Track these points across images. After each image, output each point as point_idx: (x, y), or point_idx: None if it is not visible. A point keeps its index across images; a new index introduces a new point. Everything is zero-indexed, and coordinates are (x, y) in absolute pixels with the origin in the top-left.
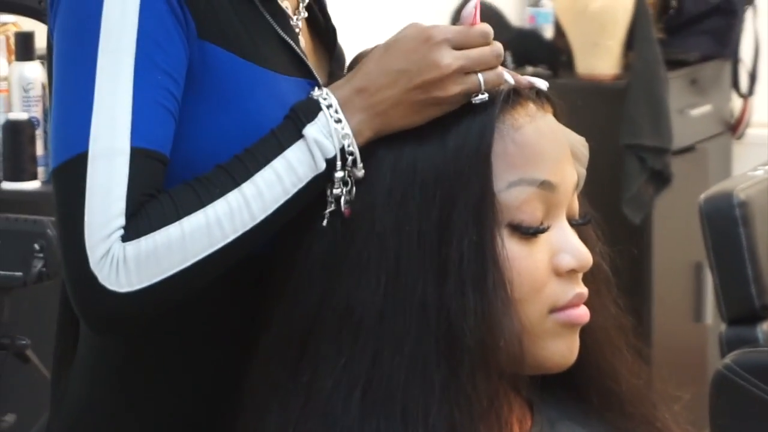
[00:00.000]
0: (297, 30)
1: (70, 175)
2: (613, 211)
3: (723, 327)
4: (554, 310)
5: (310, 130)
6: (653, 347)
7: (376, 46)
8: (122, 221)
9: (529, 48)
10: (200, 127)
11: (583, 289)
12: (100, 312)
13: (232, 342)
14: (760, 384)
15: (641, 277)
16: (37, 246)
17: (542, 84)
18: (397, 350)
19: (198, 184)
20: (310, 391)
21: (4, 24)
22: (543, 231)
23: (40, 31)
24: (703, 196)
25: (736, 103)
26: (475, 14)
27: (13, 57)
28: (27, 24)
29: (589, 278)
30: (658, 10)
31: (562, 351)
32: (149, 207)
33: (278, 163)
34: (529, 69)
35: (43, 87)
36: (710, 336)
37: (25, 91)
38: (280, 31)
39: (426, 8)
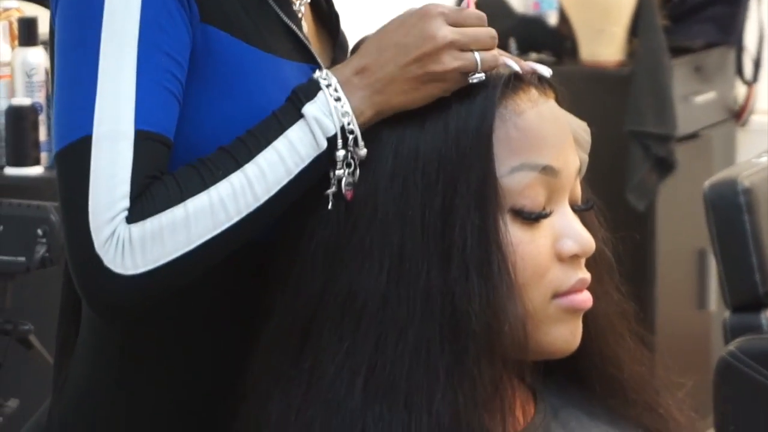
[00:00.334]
0: (300, 15)
1: (74, 159)
2: (617, 198)
3: (727, 314)
4: (557, 295)
5: (310, 108)
6: (657, 334)
7: (370, 34)
8: (127, 203)
9: (533, 34)
10: (203, 111)
11: (586, 275)
12: (105, 295)
13: (234, 329)
14: (763, 371)
15: (645, 263)
16: (40, 231)
17: (545, 70)
18: (400, 336)
19: (201, 165)
20: (313, 377)
21: (7, 9)
22: (545, 216)
23: (43, 17)
24: (707, 183)
25: (741, 90)
26: (469, 2)
27: (16, 42)
28: (30, 9)
29: (591, 264)
30: None
31: (565, 336)
32: (153, 189)
33: (280, 144)
34: (533, 55)
35: (46, 72)
36: (714, 323)
37: (28, 76)
38: (283, 16)
39: None
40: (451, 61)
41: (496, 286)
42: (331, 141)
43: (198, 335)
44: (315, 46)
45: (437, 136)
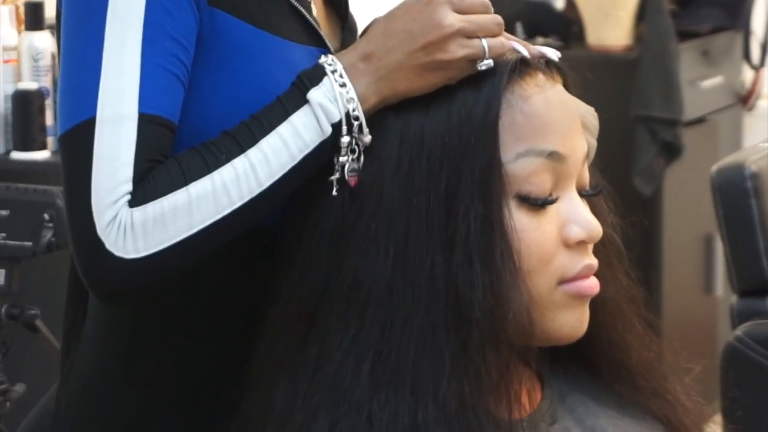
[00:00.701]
0: None
1: (78, 141)
2: (624, 183)
3: (734, 299)
4: (563, 281)
5: (315, 94)
6: (663, 319)
7: (380, 16)
8: (129, 187)
9: (539, 19)
10: (211, 95)
11: (593, 261)
12: (106, 279)
13: (240, 314)
14: None
15: (652, 248)
16: (46, 216)
17: (554, 54)
18: (406, 323)
19: (205, 149)
20: (319, 364)
21: None
22: (552, 202)
23: (49, 1)
24: (714, 168)
25: (748, 74)
26: None
27: (22, 27)
28: None
29: (600, 250)
30: None
31: (572, 323)
32: (156, 173)
33: (284, 129)
34: (540, 40)
35: (53, 57)
36: (721, 308)
37: (35, 60)
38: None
39: None
40: (459, 50)
41: (499, 273)
42: (336, 127)
43: (204, 319)
44: (324, 28)
45: (443, 122)
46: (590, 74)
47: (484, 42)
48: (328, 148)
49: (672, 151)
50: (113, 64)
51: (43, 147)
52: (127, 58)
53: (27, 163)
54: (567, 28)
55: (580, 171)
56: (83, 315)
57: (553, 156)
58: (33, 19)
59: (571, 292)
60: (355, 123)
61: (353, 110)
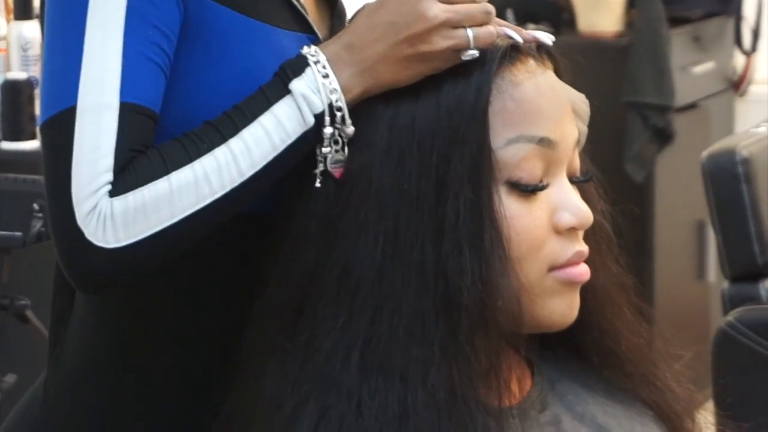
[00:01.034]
0: None
1: (58, 130)
2: (616, 169)
3: (725, 284)
4: (554, 268)
5: (297, 84)
6: (656, 306)
7: (369, 3)
8: (110, 176)
9: (530, 5)
10: (197, 84)
11: (583, 247)
12: (86, 268)
13: (230, 301)
14: (762, 341)
15: (644, 235)
16: (36, 206)
17: (548, 38)
18: (395, 310)
19: (187, 139)
20: (308, 351)
21: None
22: (542, 188)
23: None
24: (705, 154)
25: (739, 60)
26: None
27: (11, 16)
28: None
29: (590, 237)
30: None
31: (562, 309)
32: (137, 162)
33: (266, 119)
34: (531, 26)
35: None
36: (713, 294)
37: (24, 50)
38: None
39: None
40: (443, 41)
41: (488, 260)
42: (319, 118)
43: (193, 306)
44: (312, 15)
45: (433, 108)
46: (581, 61)
47: (469, 32)
48: (310, 139)
49: (663, 137)
50: (95, 52)
51: (33, 137)
52: (108, 47)
53: (16, 153)
54: (558, 15)
55: (571, 157)
56: (71, 303)
57: (544, 142)
58: (22, 9)
59: (562, 278)
60: (338, 114)
61: (336, 101)
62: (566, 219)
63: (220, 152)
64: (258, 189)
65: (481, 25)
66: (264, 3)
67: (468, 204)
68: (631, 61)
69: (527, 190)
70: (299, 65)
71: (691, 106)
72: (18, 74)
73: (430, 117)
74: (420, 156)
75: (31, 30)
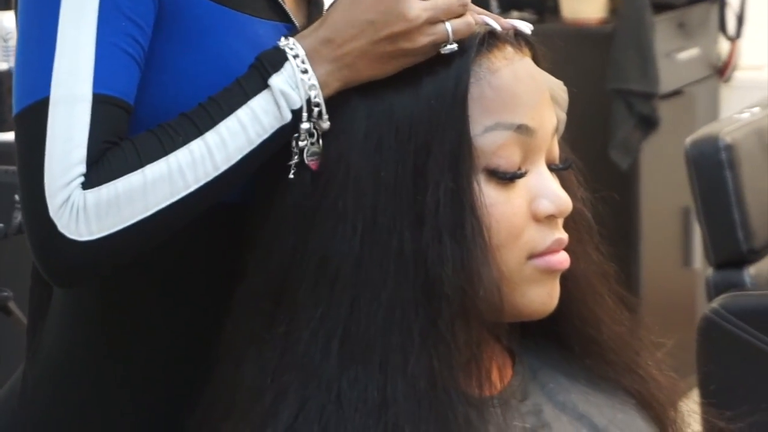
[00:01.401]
0: None
1: (31, 121)
2: (601, 156)
3: (710, 271)
4: (533, 256)
5: (276, 80)
6: (642, 293)
7: None
8: (83, 169)
9: None
10: (172, 73)
11: (563, 235)
12: (58, 261)
13: (209, 291)
14: (747, 327)
15: (629, 222)
16: (17, 197)
17: (526, 27)
18: (374, 299)
19: (161, 131)
20: (287, 342)
21: None
22: (520, 176)
23: None
24: (689, 140)
25: (724, 46)
26: None
27: None
28: None
29: (570, 225)
30: None
31: (542, 298)
32: (111, 155)
33: (242, 113)
34: (515, 14)
35: None
36: (699, 281)
37: (5, 41)
38: None
39: None
40: (424, 39)
41: (469, 249)
42: (296, 113)
43: (171, 298)
44: (289, 4)
45: (411, 96)
46: (566, 48)
47: (449, 26)
48: (286, 133)
49: (648, 124)
50: (68, 43)
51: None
52: (82, 38)
53: None
54: (542, 2)
55: (550, 145)
56: (48, 295)
57: (522, 129)
58: (2, 0)
59: (541, 266)
60: (315, 109)
61: (314, 97)
62: (545, 206)
63: (196, 145)
64: (233, 182)
65: (458, 17)
66: None
67: (449, 193)
68: (616, 48)
69: (505, 178)
70: (277, 59)
71: (676, 93)
72: None
73: (409, 104)
74: (398, 143)
75: (12, 20)
